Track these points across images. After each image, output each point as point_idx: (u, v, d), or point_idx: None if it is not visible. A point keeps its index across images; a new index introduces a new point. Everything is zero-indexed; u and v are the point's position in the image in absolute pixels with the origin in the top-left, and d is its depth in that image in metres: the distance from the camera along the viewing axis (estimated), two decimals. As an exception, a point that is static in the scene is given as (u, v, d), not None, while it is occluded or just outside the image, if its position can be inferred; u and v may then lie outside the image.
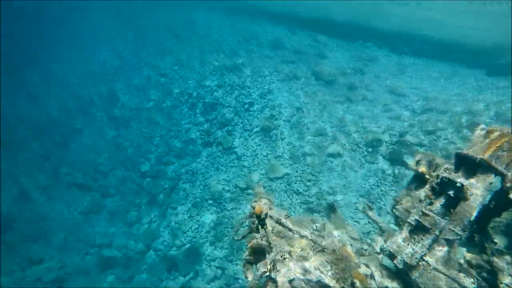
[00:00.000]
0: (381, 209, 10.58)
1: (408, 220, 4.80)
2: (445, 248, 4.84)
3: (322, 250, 4.23)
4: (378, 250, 5.74)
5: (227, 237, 10.94)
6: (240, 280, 9.84)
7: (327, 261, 4.22)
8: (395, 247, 4.84)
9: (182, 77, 18.23)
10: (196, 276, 10.57)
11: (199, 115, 15.79)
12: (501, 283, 5.05)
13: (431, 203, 4.89)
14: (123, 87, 19.14)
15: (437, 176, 4.96)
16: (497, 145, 4.67)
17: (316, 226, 6.03)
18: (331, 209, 6.71)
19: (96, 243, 12.60)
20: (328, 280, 3.93)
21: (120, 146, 16.01)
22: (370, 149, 12.36)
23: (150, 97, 17.91)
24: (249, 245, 4.41)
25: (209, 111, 15.65)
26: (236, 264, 10.18)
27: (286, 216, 5.87)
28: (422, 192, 5.13)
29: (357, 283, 4.35)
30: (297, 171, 12.28)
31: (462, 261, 5.25)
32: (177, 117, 16.20)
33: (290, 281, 3.79)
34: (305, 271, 3.96)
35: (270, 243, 4.04)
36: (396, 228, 5.89)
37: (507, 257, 5.79)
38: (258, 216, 4.36)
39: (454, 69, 17.90)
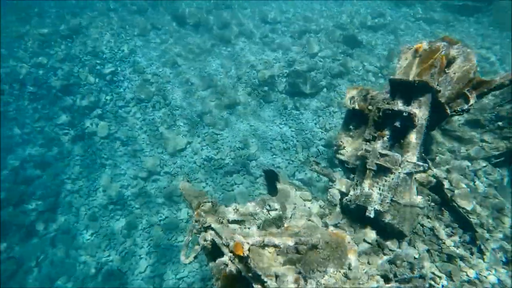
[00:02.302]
0: (296, 146, 10.40)
1: (368, 166, 4.24)
2: (409, 182, 4.55)
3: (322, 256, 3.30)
4: (337, 203, 5.18)
5: (149, 240, 9.19)
6: None
7: (334, 268, 3.32)
8: (363, 199, 4.30)
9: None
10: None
11: (48, 106, 12.01)
12: (443, 190, 5.21)
13: (376, 139, 4.40)
14: None
15: (378, 109, 4.42)
16: (430, 64, 4.29)
17: (270, 206, 5.01)
18: (273, 177, 5.76)
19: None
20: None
21: None
22: (266, 88, 11.69)
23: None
24: (220, 276, 3.20)
25: (61, 97, 12.02)
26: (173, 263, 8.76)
27: (236, 210, 4.67)
28: (366, 130, 4.60)
29: (352, 261, 3.72)
30: (199, 136, 10.84)
31: (416, 185, 5.18)
32: (16, 117, 11.99)
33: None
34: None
35: (251, 268, 2.86)
36: (348, 174, 5.40)
37: (443, 168, 6.05)
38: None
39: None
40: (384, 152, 4.19)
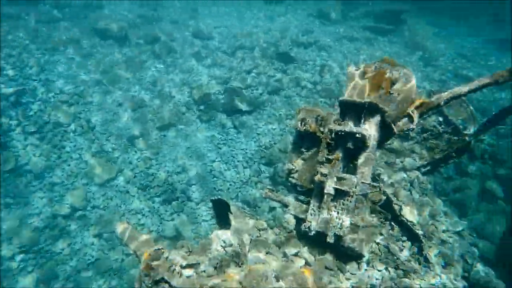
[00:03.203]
0: (237, 166, 10.12)
1: (326, 191, 4.18)
2: (364, 203, 4.62)
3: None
4: (293, 228, 5.03)
5: None
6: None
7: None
8: (322, 225, 4.20)
9: None
10: None
11: None
12: (392, 206, 5.46)
13: (332, 162, 4.39)
14: None
15: (330, 131, 4.44)
16: (378, 85, 4.46)
17: (225, 242, 4.68)
18: (222, 206, 5.35)
19: None
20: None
21: None
22: (202, 107, 11.25)
23: None
24: None
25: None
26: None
27: (187, 252, 4.26)
28: (320, 153, 4.56)
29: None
30: (131, 162, 9.85)
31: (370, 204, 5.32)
32: None
33: None
34: None
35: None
36: (301, 198, 5.28)
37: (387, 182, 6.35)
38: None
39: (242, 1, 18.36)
40: (340, 175, 4.18)
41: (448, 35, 19.46)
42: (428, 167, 7.37)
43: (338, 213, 4.14)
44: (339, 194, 4.08)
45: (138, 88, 11.70)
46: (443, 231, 6.30)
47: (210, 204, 9.11)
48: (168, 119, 10.71)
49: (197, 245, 4.32)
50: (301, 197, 5.25)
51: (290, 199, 5.27)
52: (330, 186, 4.08)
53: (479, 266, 6.03)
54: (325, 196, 4.10)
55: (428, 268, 4.96)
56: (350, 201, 4.11)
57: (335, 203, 4.13)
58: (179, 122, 10.81)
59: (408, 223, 5.19)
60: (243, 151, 10.35)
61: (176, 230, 8.49)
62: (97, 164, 9.51)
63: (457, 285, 5.05)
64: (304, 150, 5.15)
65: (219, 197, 5.45)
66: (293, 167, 5.08)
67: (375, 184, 4.36)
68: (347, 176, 4.08)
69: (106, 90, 11.43)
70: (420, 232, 5.26)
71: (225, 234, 4.50)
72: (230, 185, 9.59)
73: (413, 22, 17.95)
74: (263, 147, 10.49)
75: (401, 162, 7.37)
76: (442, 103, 4.47)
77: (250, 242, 4.68)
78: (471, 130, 7.15)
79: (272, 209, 9.05)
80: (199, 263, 4.01)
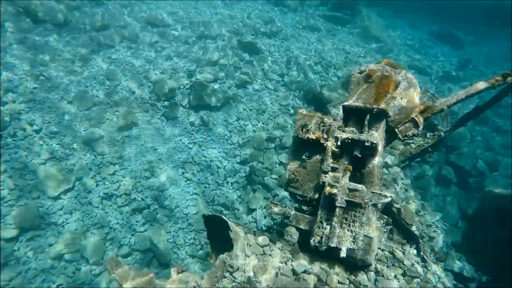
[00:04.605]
0: (210, 167, 9.63)
1: (338, 204, 4.05)
2: (374, 213, 4.57)
3: None
4: (296, 241, 4.87)
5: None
6: None
7: None
8: (335, 239, 4.08)
9: None
10: None
11: None
12: (392, 210, 5.55)
13: (343, 172, 4.26)
14: None
15: (336, 138, 4.29)
16: (385, 90, 4.36)
17: (232, 267, 4.39)
18: (215, 222, 5.01)
19: None
20: None
21: None
22: (166, 103, 10.43)
23: None
24: None
25: None
26: None
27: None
28: (325, 161, 4.40)
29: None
30: (90, 169, 8.81)
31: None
32: None
33: None
34: None
35: None
36: (302, 207, 5.10)
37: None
38: None
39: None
40: (352, 186, 4.06)
41: (396, 27, 20.53)
42: (407, 162, 7.69)
43: (349, 225, 4.04)
44: (351, 206, 3.98)
45: (88, 82, 10.44)
46: (428, 226, 6.62)
47: (188, 211, 8.61)
48: (129, 117, 9.75)
49: (203, 274, 3.98)
50: (302, 206, 5.08)
51: (289, 210, 5.07)
52: (342, 199, 3.95)
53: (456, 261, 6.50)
54: (337, 210, 3.96)
55: (426, 268, 5.13)
56: (363, 213, 4.03)
57: (346, 215, 4.03)
58: (142, 121, 9.93)
59: (407, 226, 5.29)
60: (215, 150, 9.87)
61: (151, 241, 7.84)
62: (48, 174, 8.34)
63: (447, 284, 5.30)
64: (307, 158, 4.94)
65: (213, 213, 5.05)
66: (295, 176, 4.87)
67: (387, 194, 4.31)
68: (359, 187, 3.98)
69: (51, 84, 10.00)
70: (417, 233, 5.41)
71: (231, 258, 4.19)
72: (205, 187, 9.11)
73: (367, 13, 18.55)
74: (236, 144, 10.10)
75: (383, 159, 7.54)
76: (446, 108, 4.55)
77: (258, 261, 4.42)
78: (445, 126, 7.55)
79: (251, 211, 8.80)
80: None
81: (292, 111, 11.23)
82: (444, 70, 16.24)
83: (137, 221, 8.21)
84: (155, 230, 8.10)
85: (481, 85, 4.56)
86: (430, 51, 17.75)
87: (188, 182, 9.15)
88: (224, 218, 4.83)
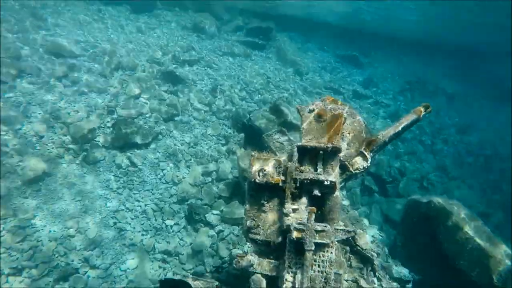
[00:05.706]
0: (146, 211, 8.84)
1: (307, 248, 4.12)
2: (339, 249, 4.75)
3: None
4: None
5: None
6: None
7: None
8: (306, 283, 4.12)
9: None
10: None
11: None
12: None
13: (308, 215, 4.33)
14: None
15: (295, 180, 4.40)
16: (337, 128, 4.64)
17: None
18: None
19: None
20: None
21: None
22: (86, 146, 9.29)
23: None
24: None
25: None
26: None
27: None
28: (285, 204, 4.42)
29: None
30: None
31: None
32: None
33: None
34: None
35: None
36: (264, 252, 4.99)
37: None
38: None
39: (99, 8, 16.11)
40: (320, 228, 4.15)
41: (308, 50, 22.41)
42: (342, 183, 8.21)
43: (319, 266, 4.12)
44: (318, 246, 4.07)
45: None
46: (372, 242, 7.11)
47: (127, 266, 7.68)
48: (40, 168, 8.37)
49: None
50: (262, 249, 4.95)
51: (252, 257, 4.91)
52: (311, 242, 4.02)
53: (394, 267, 7.09)
54: (306, 253, 4.00)
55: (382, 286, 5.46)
56: (331, 252, 4.16)
57: (315, 256, 4.10)
58: (57, 170, 8.62)
59: (363, 251, 5.57)
60: (149, 192, 9.11)
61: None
62: None
63: None
64: (265, 201, 4.88)
65: (174, 278, 4.60)
66: (255, 223, 4.75)
67: (349, 229, 4.51)
68: (326, 228, 4.08)
69: None
70: (371, 254, 5.71)
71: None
72: (143, 235, 8.28)
73: (281, 38, 19.83)
74: (171, 183, 9.50)
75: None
76: (387, 140, 4.99)
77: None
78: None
79: (196, 253, 8.29)
80: None
81: (223, 141, 11.13)
82: (353, 89, 18.19)
83: (62, 292, 6.96)
84: (87, 298, 6.98)
85: (410, 116, 5.15)
86: (340, 72, 19.72)
87: (122, 232, 8.20)
88: (189, 281, 4.44)
